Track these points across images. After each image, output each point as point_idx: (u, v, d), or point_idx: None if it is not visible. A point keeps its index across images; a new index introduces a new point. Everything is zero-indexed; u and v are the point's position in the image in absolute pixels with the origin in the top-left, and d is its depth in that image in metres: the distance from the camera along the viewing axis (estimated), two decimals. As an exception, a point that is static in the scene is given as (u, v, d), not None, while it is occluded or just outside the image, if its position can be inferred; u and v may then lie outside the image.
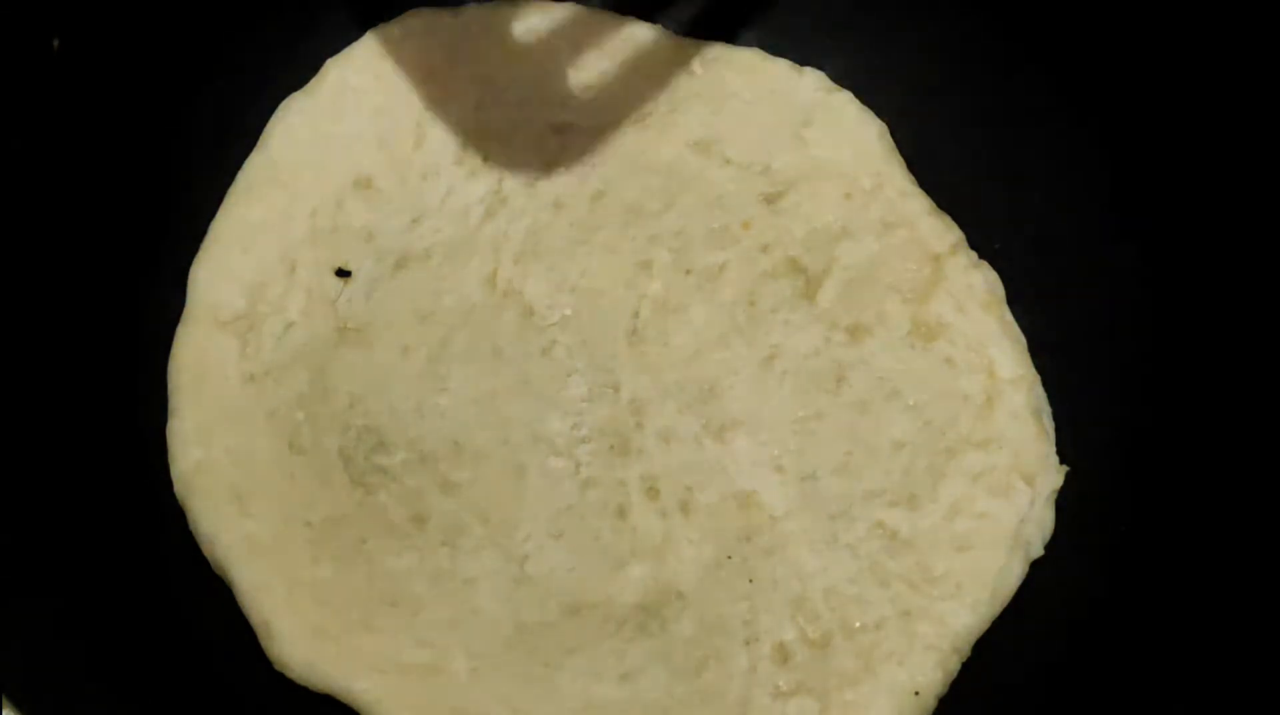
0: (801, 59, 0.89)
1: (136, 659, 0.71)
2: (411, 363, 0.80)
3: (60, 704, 0.66)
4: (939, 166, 0.87)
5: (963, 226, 0.85)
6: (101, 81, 0.80)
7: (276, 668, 0.73)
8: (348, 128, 0.86)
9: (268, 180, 0.84)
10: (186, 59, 0.84)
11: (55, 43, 0.78)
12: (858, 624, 0.75)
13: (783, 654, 0.74)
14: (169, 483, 0.77)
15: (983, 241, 0.85)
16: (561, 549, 0.76)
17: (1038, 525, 0.77)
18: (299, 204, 0.84)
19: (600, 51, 0.88)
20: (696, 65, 0.88)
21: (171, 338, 0.81)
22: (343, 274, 0.83)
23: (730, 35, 0.91)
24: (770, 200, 0.85)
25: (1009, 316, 0.83)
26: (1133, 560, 0.77)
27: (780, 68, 0.88)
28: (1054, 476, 0.78)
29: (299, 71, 0.87)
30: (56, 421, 0.75)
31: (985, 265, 0.84)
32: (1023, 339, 0.82)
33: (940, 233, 0.84)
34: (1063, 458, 0.79)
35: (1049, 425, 0.80)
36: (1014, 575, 0.76)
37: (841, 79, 0.88)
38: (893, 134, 0.87)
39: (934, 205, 0.85)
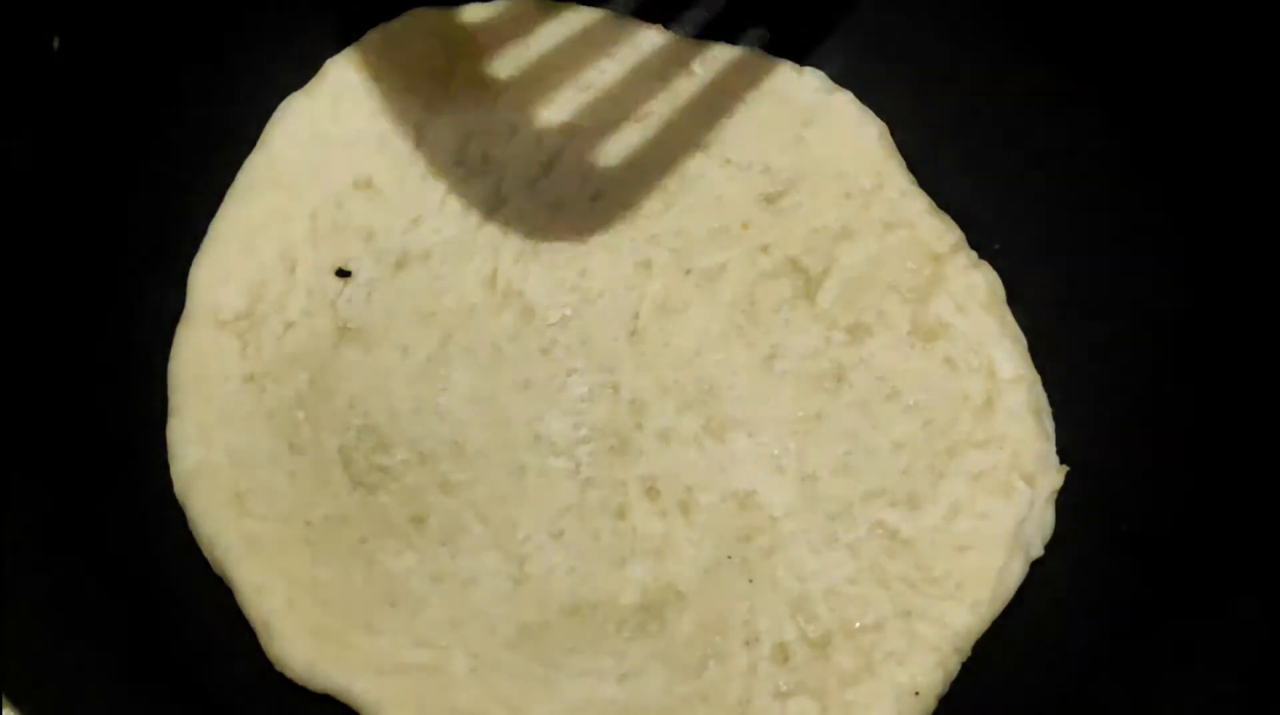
0: (801, 59, 0.89)
1: (136, 659, 0.71)
2: (411, 363, 0.80)
3: (60, 704, 0.66)
4: (939, 166, 0.87)
5: (963, 226, 0.85)
6: (101, 81, 0.80)
7: (276, 668, 0.73)
8: (348, 128, 0.86)
9: (268, 180, 0.84)
10: (186, 59, 0.84)
11: (55, 43, 0.78)
12: (858, 624, 0.75)
13: (783, 654, 0.74)
14: (169, 483, 0.77)
15: (983, 241, 0.85)
16: (561, 549, 0.76)
17: (1038, 525, 0.77)
18: (299, 204, 0.84)
19: (600, 51, 0.88)
20: (696, 65, 0.88)
21: (171, 338, 0.81)
22: (343, 274, 0.83)
23: (730, 35, 0.91)
24: (770, 200, 0.85)
25: (1009, 316, 0.83)
26: (1133, 560, 0.77)
27: (780, 68, 0.88)
28: (1054, 476, 0.78)
29: (299, 71, 0.87)
30: (56, 421, 0.75)
31: (985, 265, 0.84)
32: (1023, 339, 0.82)
33: (940, 233, 0.84)
34: (1063, 458, 0.79)
35: (1049, 425, 0.80)
36: (1014, 575, 0.76)
37: (841, 79, 0.88)
38: (893, 134, 0.87)
39: (934, 205, 0.85)
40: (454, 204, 0.84)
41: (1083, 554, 0.77)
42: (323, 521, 0.77)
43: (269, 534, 0.76)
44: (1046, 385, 0.81)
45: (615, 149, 0.86)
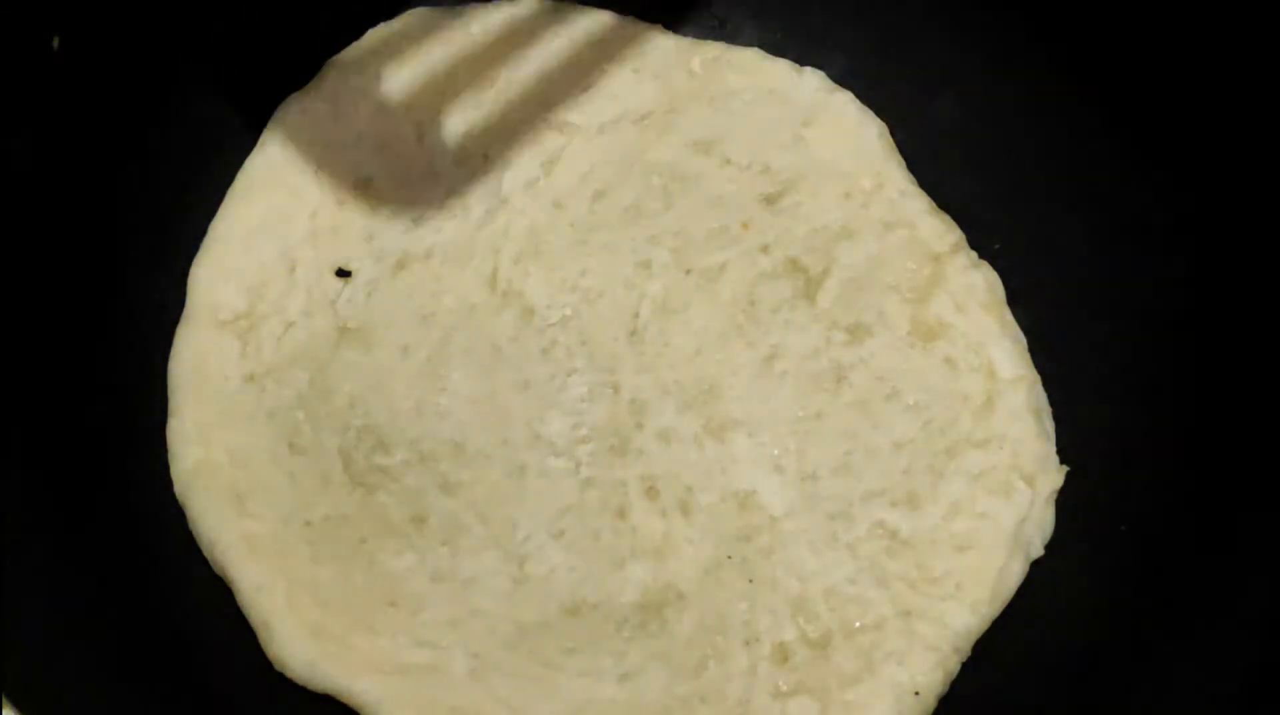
0: (801, 59, 0.89)
1: (136, 659, 0.71)
2: (411, 363, 0.80)
3: (60, 704, 0.66)
4: (939, 166, 0.87)
5: (963, 226, 0.85)
6: (101, 81, 0.80)
7: (276, 668, 0.73)
8: (348, 128, 0.86)
9: (268, 180, 0.84)
10: (186, 58, 0.84)
11: (55, 43, 0.78)
12: (858, 624, 0.75)
13: (783, 654, 0.74)
14: (169, 483, 0.77)
15: (983, 241, 0.85)
16: (561, 549, 0.76)
17: (1038, 525, 0.77)
18: (299, 204, 0.84)
19: (600, 51, 0.88)
20: (696, 65, 0.88)
21: (171, 338, 0.81)
22: (343, 274, 0.83)
23: (730, 35, 0.91)
24: (770, 200, 0.85)
25: (1009, 316, 0.83)
26: (1133, 560, 0.77)
27: (780, 68, 0.88)
28: (1054, 476, 0.78)
29: (299, 71, 0.87)
30: (56, 421, 0.75)
31: (985, 265, 0.84)
32: (1023, 339, 0.82)
33: (940, 233, 0.84)
34: (1063, 458, 0.79)
35: (1049, 425, 0.80)
36: (1014, 575, 0.76)
37: (841, 79, 0.88)
38: (893, 134, 0.87)
39: (934, 205, 0.85)
40: (454, 204, 0.84)
41: (1083, 554, 0.77)
42: (323, 521, 0.77)
43: (269, 534, 0.76)
44: (1046, 385, 0.81)
45: (615, 149, 0.86)
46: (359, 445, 0.78)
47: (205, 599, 0.75)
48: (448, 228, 0.84)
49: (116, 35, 0.81)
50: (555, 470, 0.78)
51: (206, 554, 0.76)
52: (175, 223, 0.83)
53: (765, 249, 0.84)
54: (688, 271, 0.83)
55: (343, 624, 0.74)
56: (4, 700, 0.63)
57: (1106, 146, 0.84)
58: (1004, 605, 0.76)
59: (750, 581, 0.76)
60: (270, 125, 0.86)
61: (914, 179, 0.86)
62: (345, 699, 0.72)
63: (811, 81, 0.88)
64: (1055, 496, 0.78)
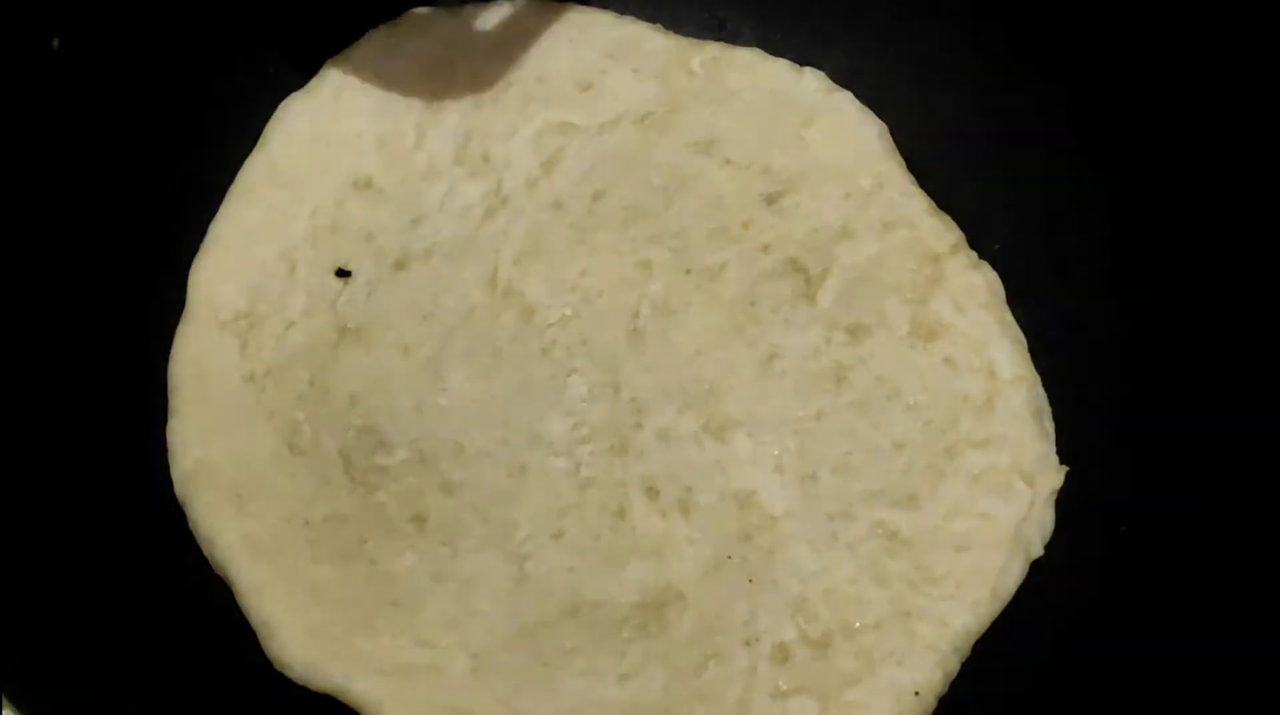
0: (801, 59, 0.89)
1: (136, 659, 0.71)
2: (411, 363, 0.80)
3: (60, 704, 0.66)
4: (939, 166, 0.87)
5: (963, 226, 0.85)
6: (101, 82, 0.80)
7: (276, 668, 0.73)
8: (348, 128, 0.86)
9: (268, 180, 0.84)
10: (186, 59, 0.84)
11: (55, 43, 0.78)
12: (858, 624, 0.75)
13: (783, 654, 0.74)
14: (169, 483, 0.77)
15: (983, 241, 0.85)
16: (561, 549, 0.76)
17: (1038, 525, 0.77)
18: (299, 204, 0.84)
19: (600, 51, 0.88)
20: (696, 65, 0.88)
21: (171, 338, 0.81)
22: (343, 274, 0.83)
23: (730, 35, 0.91)
24: (770, 200, 0.85)
25: (1009, 316, 0.83)
26: (1133, 560, 0.76)
27: (780, 68, 0.88)
28: (1054, 476, 0.78)
29: (299, 71, 0.87)
30: (56, 422, 0.75)
31: (985, 265, 0.84)
32: (1023, 339, 0.82)
33: (940, 233, 0.84)
34: (1063, 458, 0.79)
35: (1049, 425, 0.80)
36: (1014, 575, 0.76)
37: (841, 79, 0.88)
38: (893, 134, 0.87)
39: (934, 205, 0.85)
40: (454, 204, 0.84)
41: (1083, 554, 0.77)
42: (323, 522, 0.77)
43: (269, 534, 0.76)
44: (1046, 385, 0.81)
45: (615, 149, 0.86)
46: (359, 445, 0.78)
47: (205, 599, 0.75)
48: (448, 228, 0.84)
49: (116, 35, 0.81)
50: (555, 470, 0.78)
51: (206, 554, 0.76)
52: (175, 223, 0.83)
53: (765, 249, 0.84)
54: (688, 271, 0.83)
55: (343, 624, 0.74)
56: (4, 700, 0.63)
57: (1107, 147, 0.84)
58: (1004, 605, 0.76)
59: (750, 581, 0.76)
60: (270, 125, 0.86)
61: (914, 179, 0.86)
62: (345, 699, 0.72)
63: (811, 81, 0.88)
64: (1055, 496, 0.78)
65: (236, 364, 0.80)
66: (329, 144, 0.85)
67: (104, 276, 0.80)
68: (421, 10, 0.89)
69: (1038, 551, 0.77)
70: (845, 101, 0.87)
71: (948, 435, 0.79)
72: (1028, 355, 0.82)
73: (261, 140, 0.85)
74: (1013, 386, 0.80)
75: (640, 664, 0.74)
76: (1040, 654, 0.75)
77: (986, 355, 0.81)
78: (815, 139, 0.86)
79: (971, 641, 0.75)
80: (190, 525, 0.76)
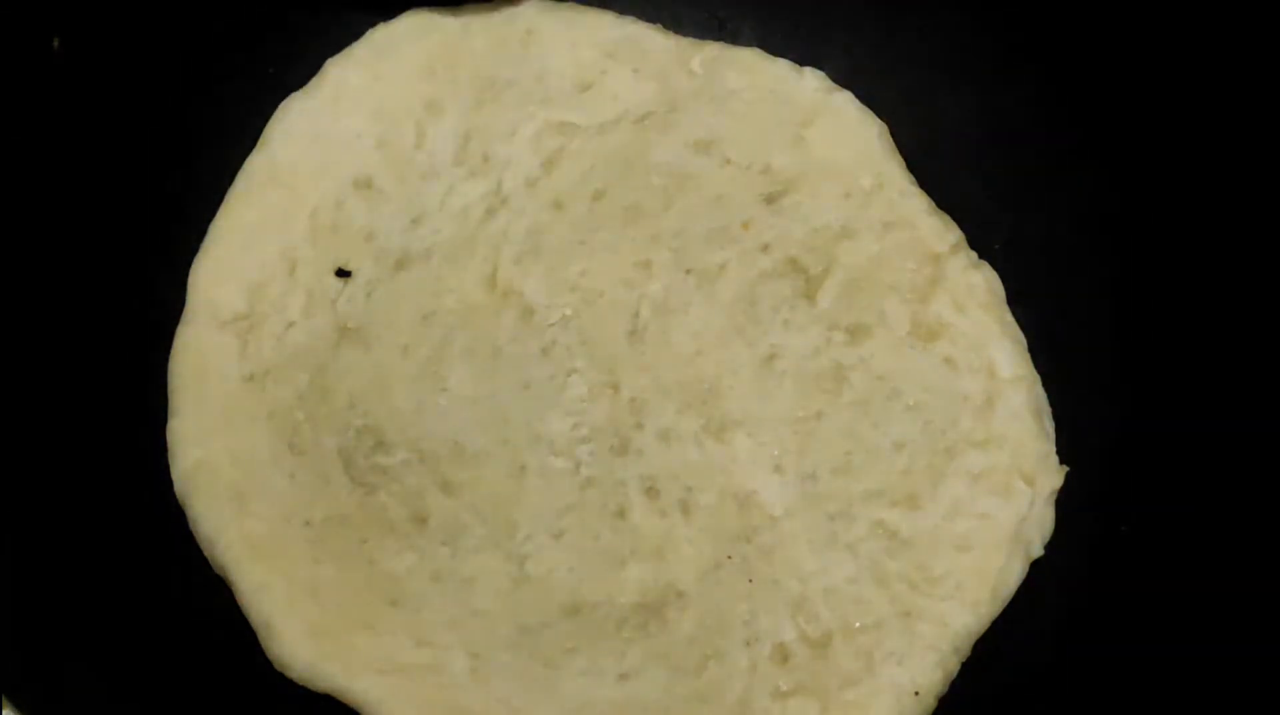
0: (801, 59, 0.89)
1: (136, 659, 0.71)
2: (411, 363, 0.80)
3: (60, 704, 0.66)
4: (939, 166, 0.87)
5: (963, 226, 0.85)
6: (101, 81, 0.80)
7: (276, 668, 0.73)
8: (348, 128, 0.86)
9: (268, 180, 0.84)
10: (186, 59, 0.84)
11: (55, 43, 0.78)
12: (858, 624, 0.75)
13: (783, 654, 0.74)
14: (169, 483, 0.77)
15: (983, 241, 0.85)
16: (561, 549, 0.76)
17: (1038, 525, 0.77)
18: (299, 204, 0.84)
19: (600, 51, 0.88)
20: (696, 65, 0.88)
21: (171, 338, 0.81)
22: (343, 274, 0.83)
23: (730, 35, 0.91)
24: (770, 200, 0.85)
25: (1009, 316, 0.83)
26: (1133, 560, 0.77)
27: (780, 68, 0.88)
28: (1054, 476, 0.78)
29: (299, 71, 0.87)
30: (57, 422, 0.75)
31: (985, 265, 0.84)
32: (1023, 339, 0.82)
33: (940, 233, 0.84)
34: (1063, 458, 0.79)
35: (1049, 425, 0.80)
36: (1014, 575, 0.76)
37: (841, 79, 0.88)
38: (893, 134, 0.87)
39: (934, 205, 0.85)
40: (454, 204, 0.84)
41: (1083, 554, 0.77)
42: (323, 522, 0.77)
43: (269, 534, 0.76)
44: (1046, 385, 0.81)
45: (615, 149, 0.86)
46: (359, 445, 0.78)
47: (205, 599, 0.75)
48: (448, 228, 0.84)
49: (116, 35, 0.81)
50: (555, 470, 0.78)
51: (206, 554, 0.76)
52: (175, 223, 0.83)
53: (765, 249, 0.84)
54: (688, 271, 0.83)
55: (343, 624, 0.74)
56: (4, 700, 0.63)
57: (1107, 146, 0.84)
58: (1004, 605, 0.76)
59: (750, 581, 0.76)
60: (270, 125, 0.86)
61: (914, 179, 0.86)
62: (345, 699, 0.72)
63: (811, 81, 0.88)
64: (1055, 496, 0.78)
65: (236, 364, 0.80)
66: (329, 144, 0.85)
67: (104, 276, 0.80)
68: (421, 10, 0.89)
69: (1038, 551, 0.77)
70: (845, 101, 0.87)
71: (948, 435, 0.79)
72: (1028, 355, 0.82)
73: (261, 140, 0.85)
74: (1013, 386, 0.80)
75: (640, 664, 0.74)
76: (1040, 654, 0.75)
77: (986, 355, 0.81)
78: (815, 139, 0.86)
79: (971, 641, 0.75)
80: (190, 525, 0.76)
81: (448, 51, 0.88)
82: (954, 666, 0.75)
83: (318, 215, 0.84)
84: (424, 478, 0.78)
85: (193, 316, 0.81)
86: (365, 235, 0.84)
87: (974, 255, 0.84)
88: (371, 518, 0.77)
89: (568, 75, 0.87)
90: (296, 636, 0.73)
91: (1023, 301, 0.83)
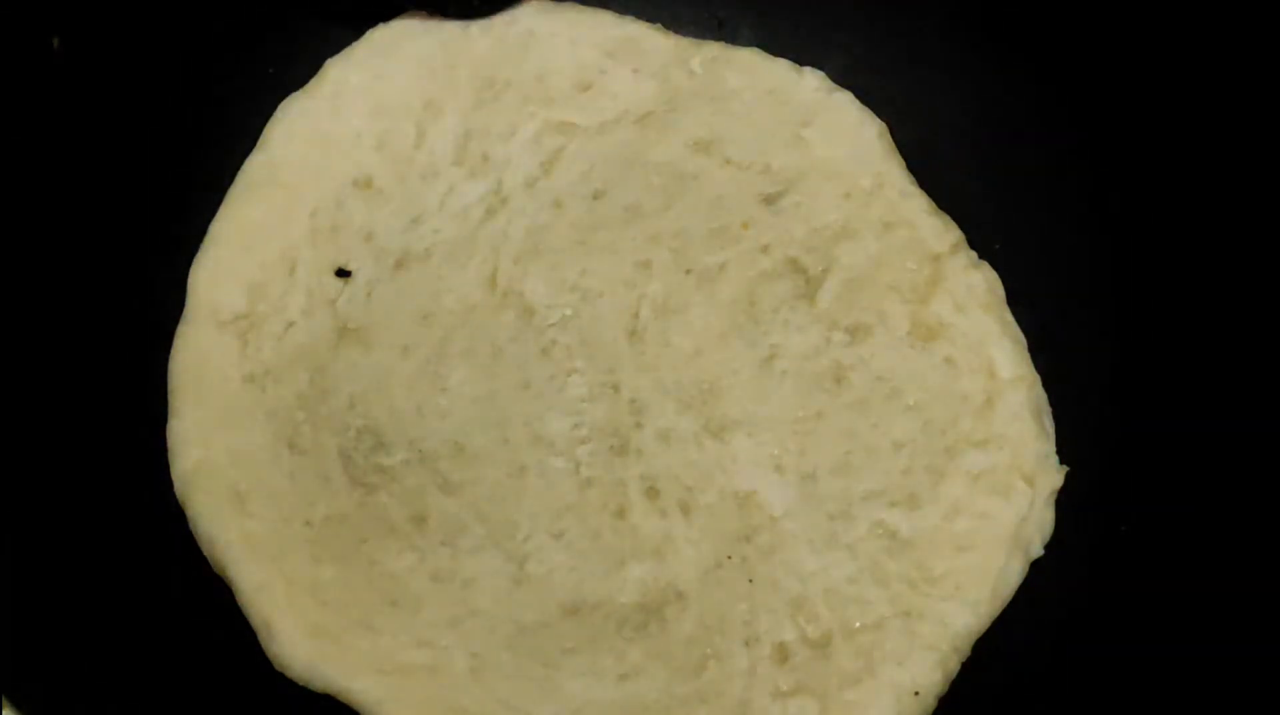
0: (801, 59, 0.89)
1: (136, 659, 0.71)
2: (411, 363, 0.80)
3: (60, 704, 0.66)
4: (939, 166, 0.87)
5: (963, 226, 0.85)
6: (101, 81, 0.80)
7: (276, 668, 0.73)
8: (348, 128, 0.86)
9: (268, 180, 0.84)
10: (187, 59, 0.84)
11: (55, 43, 0.78)
12: (858, 624, 0.75)
13: (783, 654, 0.74)
14: (169, 483, 0.77)
15: (983, 241, 0.85)
16: (561, 549, 0.76)
17: (1038, 525, 0.77)
18: (299, 204, 0.84)
19: (600, 51, 0.88)
20: (696, 65, 0.88)
21: (171, 338, 0.81)
22: (343, 274, 0.83)
23: (730, 35, 0.91)
24: (770, 200, 0.85)
25: (1009, 316, 0.83)
26: (1133, 560, 0.77)
27: (780, 68, 0.88)
28: (1054, 476, 0.78)
29: (299, 71, 0.87)
30: (57, 422, 0.75)
31: (985, 265, 0.84)
32: (1023, 339, 0.82)
33: (940, 233, 0.84)
34: (1063, 458, 0.79)
35: (1049, 425, 0.80)
36: (1014, 575, 0.76)
37: (841, 79, 0.88)
38: (893, 134, 0.87)
39: (934, 205, 0.85)
40: (454, 204, 0.84)
41: (1083, 554, 0.77)
42: (323, 522, 0.77)
43: (269, 534, 0.76)
44: (1046, 385, 0.81)
45: (615, 149, 0.86)
46: (359, 445, 0.78)
47: (205, 599, 0.75)
48: (448, 228, 0.84)
49: (116, 35, 0.81)
50: (555, 470, 0.78)
51: (206, 554, 0.76)
52: (175, 223, 0.83)
53: (765, 249, 0.84)
54: (688, 271, 0.83)
55: (343, 624, 0.74)
56: (4, 700, 0.63)
57: (1107, 146, 0.84)
58: (1004, 605, 0.76)
59: (750, 581, 0.76)
60: (270, 125, 0.86)
61: (914, 179, 0.86)
62: (345, 699, 0.72)
63: (811, 81, 0.88)
64: (1055, 496, 0.78)
65: (236, 364, 0.80)
66: (329, 144, 0.85)
67: (104, 276, 0.80)
68: (421, 10, 0.89)
69: (1038, 551, 0.77)
70: (845, 101, 0.87)
71: (948, 435, 0.79)
72: (1028, 355, 0.82)
73: (261, 140, 0.85)
74: (1013, 386, 0.80)
75: (640, 664, 0.74)
76: (1040, 654, 0.75)
77: (986, 355, 0.81)
78: (815, 139, 0.86)
79: (971, 641, 0.75)
80: (190, 525, 0.76)
81: (448, 51, 0.88)
82: (954, 666, 0.75)
83: (318, 215, 0.84)
84: (424, 478, 0.78)
85: (193, 316, 0.81)
86: (365, 235, 0.84)
87: (974, 255, 0.84)
88: (371, 518, 0.77)
89: (568, 75, 0.87)
90: (296, 636, 0.73)
91: (1023, 301, 0.83)
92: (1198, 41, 0.79)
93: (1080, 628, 0.75)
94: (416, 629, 0.74)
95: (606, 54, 0.88)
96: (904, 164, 0.86)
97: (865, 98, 0.87)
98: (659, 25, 0.89)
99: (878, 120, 0.87)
